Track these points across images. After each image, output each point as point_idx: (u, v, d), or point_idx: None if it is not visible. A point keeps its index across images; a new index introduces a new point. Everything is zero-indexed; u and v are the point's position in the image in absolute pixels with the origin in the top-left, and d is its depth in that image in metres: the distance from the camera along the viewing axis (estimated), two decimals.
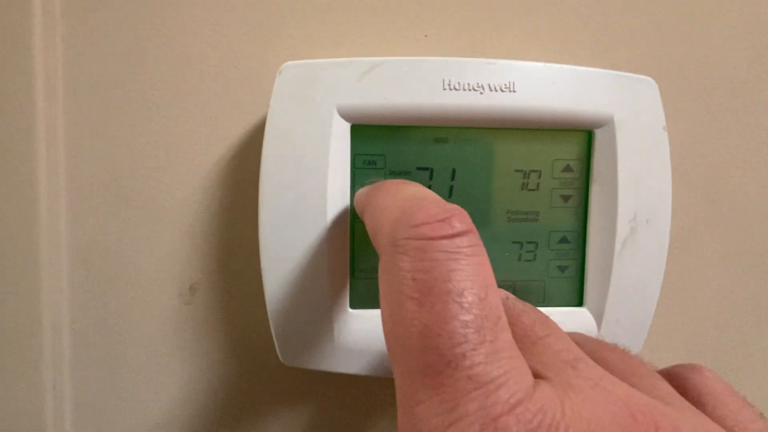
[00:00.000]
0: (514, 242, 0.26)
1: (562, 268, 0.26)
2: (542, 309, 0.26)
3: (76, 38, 0.26)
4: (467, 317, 0.13)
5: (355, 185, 0.24)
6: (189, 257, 0.27)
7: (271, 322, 0.24)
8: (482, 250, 0.15)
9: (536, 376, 0.14)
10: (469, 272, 0.14)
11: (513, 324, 0.16)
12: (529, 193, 0.25)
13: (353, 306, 0.25)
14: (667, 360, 0.31)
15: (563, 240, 0.26)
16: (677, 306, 0.30)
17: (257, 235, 0.23)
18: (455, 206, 0.15)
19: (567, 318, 0.26)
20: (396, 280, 0.14)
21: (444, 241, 0.14)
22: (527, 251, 0.26)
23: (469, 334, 0.13)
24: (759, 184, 0.30)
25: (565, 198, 0.26)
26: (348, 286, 0.24)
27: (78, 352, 0.28)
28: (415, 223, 0.15)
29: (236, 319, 0.28)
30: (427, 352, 0.13)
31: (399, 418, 0.14)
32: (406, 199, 0.17)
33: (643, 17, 0.28)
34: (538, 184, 0.25)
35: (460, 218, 0.15)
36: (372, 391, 0.29)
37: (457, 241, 0.14)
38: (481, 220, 0.25)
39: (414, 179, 0.25)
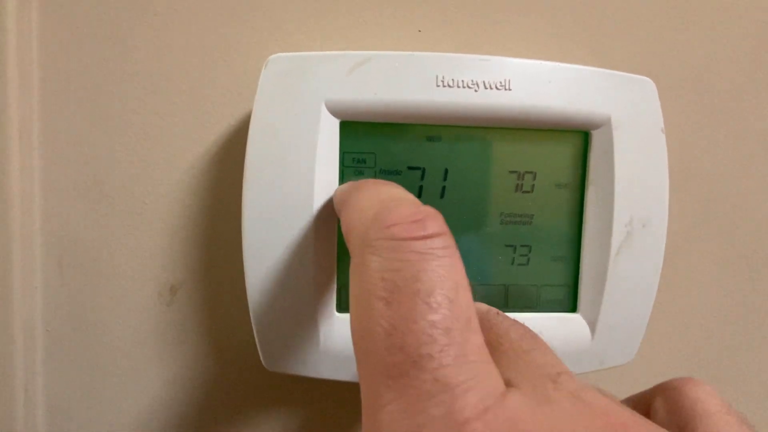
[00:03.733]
0: (507, 245, 0.25)
1: (555, 273, 0.25)
2: (535, 315, 0.25)
3: (52, 25, 0.25)
4: (435, 317, 0.13)
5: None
6: (170, 256, 0.26)
7: (254, 325, 0.23)
8: (455, 251, 0.15)
9: (512, 387, 0.14)
10: (440, 273, 0.14)
11: (500, 336, 0.16)
12: (524, 195, 0.25)
13: (340, 309, 0.24)
14: (662, 366, 0.30)
15: (557, 244, 0.25)
16: (673, 311, 0.30)
17: (241, 234, 0.22)
18: (430, 208, 0.15)
19: (560, 324, 0.25)
20: (365, 279, 0.14)
21: (416, 242, 0.14)
22: (520, 255, 0.25)
23: (436, 334, 0.13)
24: (757, 187, 0.30)
25: (560, 200, 0.25)
26: (335, 289, 0.24)
27: (51, 354, 0.27)
28: (387, 223, 0.15)
29: (218, 321, 0.27)
30: (393, 352, 0.13)
31: (364, 422, 0.14)
32: (381, 200, 0.16)
33: (642, 16, 0.28)
34: (532, 185, 0.25)
35: (433, 220, 0.15)
36: (359, 398, 0.28)
37: (429, 242, 0.14)
38: (473, 222, 0.25)
39: (405, 179, 0.24)
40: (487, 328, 0.16)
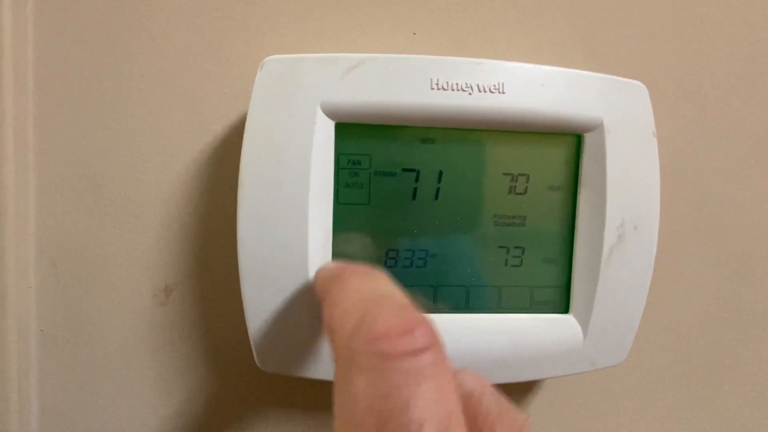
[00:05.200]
0: (500, 247, 0.25)
1: (548, 275, 0.26)
2: (528, 316, 0.25)
3: (48, 25, 0.25)
4: None
5: (339, 186, 0.24)
6: (164, 257, 0.26)
7: (248, 326, 0.23)
8: (446, 367, 0.14)
9: None
10: (431, 400, 0.13)
11: None
12: (517, 197, 0.25)
13: None
14: (653, 367, 0.31)
15: (550, 246, 0.25)
16: (664, 313, 0.30)
17: (236, 235, 0.22)
18: (419, 315, 0.14)
19: (552, 326, 0.25)
20: (351, 402, 0.13)
21: (405, 360, 0.13)
22: (514, 256, 0.25)
23: None
24: (747, 190, 0.30)
25: (553, 203, 0.25)
26: None
27: (45, 355, 0.27)
28: (374, 335, 0.14)
29: (213, 321, 0.27)
30: None
31: None
32: (366, 301, 0.15)
33: (634, 21, 0.28)
34: (526, 187, 0.25)
35: (423, 330, 0.14)
36: None
37: (419, 360, 0.13)
38: (467, 223, 0.25)
39: (400, 180, 0.24)
40: (471, 418, 0.15)
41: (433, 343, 0.14)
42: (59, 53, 0.25)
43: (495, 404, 0.16)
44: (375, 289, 0.16)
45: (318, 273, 0.20)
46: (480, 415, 0.15)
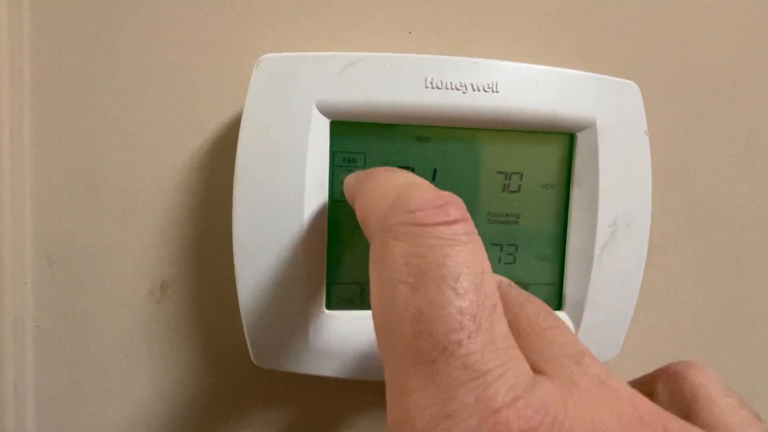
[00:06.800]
0: (494, 244, 0.25)
1: (541, 272, 0.26)
2: None
3: (44, 22, 0.25)
4: (463, 303, 0.13)
5: (333, 183, 0.24)
6: (160, 254, 0.27)
7: (243, 322, 0.23)
8: (477, 237, 0.15)
9: (537, 370, 0.13)
10: (465, 258, 0.14)
11: (516, 314, 0.16)
12: (510, 195, 0.25)
13: (330, 307, 0.24)
14: (646, 362, 0.31)
15: (543, 243, 0.26)
16: (656, 309, 0.31)
17: (231, 232, 0.23)
18: (450, 194, 0.15)
19: None
20: (388, 265, 0.14)
21: (439, 228, 0.14)
22: (507, 254, 0.26)
23: (464, 320, 0.13)
24: (738, 188, 0.30)
25: (546, 201, 0.25)
26: (324, 287, 0.24)
27: (41, 351, 0.27)
28: (410, 208, 0.14)
29: (209, 318, 0.27)
30: (421, 338, 0.13)
31: (389, 408, 0.13)
32: (400, 186, 0.16)
33: (627, 21, 0.28)
34: (519, 186, 0.25)
35: (455, 206, 0.15)
36: (348, 394, 0.28)
37: (453, 228, 0.14)
38: None
39: None
40: (502, 302, 0.16)
41: (465, 217, 0.15)
42: (55, 50, 0.25)
43: (523, 292, 0.17)
44: (407, 178, 0.17)
45: (346, 180, 0.21)
46: (510, 298, 0.16)
